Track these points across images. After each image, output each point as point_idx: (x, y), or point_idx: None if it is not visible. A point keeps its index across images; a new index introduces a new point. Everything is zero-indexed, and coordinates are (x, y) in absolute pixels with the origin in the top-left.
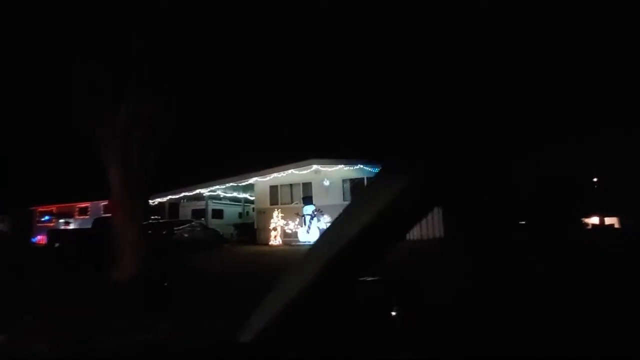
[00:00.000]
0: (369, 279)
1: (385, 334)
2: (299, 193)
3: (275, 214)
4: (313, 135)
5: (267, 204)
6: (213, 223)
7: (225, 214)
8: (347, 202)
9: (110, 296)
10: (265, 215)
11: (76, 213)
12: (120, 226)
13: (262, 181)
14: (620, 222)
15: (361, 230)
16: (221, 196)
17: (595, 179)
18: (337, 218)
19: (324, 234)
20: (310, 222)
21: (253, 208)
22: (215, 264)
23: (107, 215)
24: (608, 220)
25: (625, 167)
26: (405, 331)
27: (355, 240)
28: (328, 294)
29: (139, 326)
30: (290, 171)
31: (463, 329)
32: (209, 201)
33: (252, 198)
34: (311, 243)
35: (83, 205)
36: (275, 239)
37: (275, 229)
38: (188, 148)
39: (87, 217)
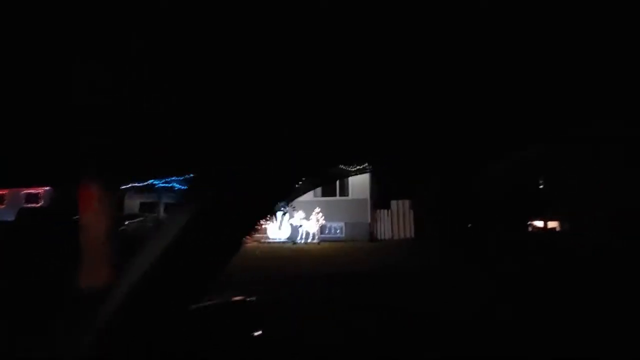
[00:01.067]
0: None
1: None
2: None
3: None
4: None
5: None
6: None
7: None
8: (319, 198)
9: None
10: None
11: None
12: (93, 221)
13: None
14: (560, 225)
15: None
16: (176, 188)
17: (541, 187)
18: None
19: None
20: (282, 219)
21: None
22: None
23: (33, 205)
24: (551, 224)
25: (566, 178)
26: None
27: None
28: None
29: None
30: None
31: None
32: (161, 194)
33: None
34: (282, 240)
35: None
36: None
37: None
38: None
39: (2, 206)
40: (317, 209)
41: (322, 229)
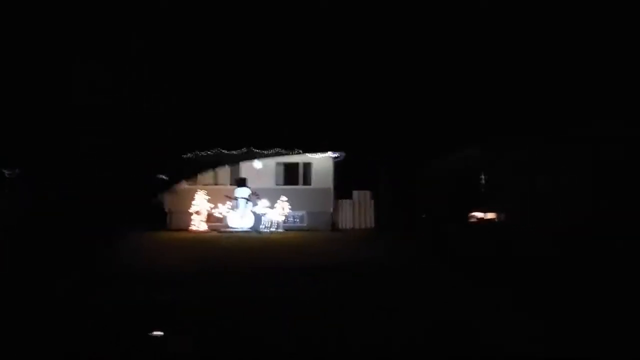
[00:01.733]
0: None
1: None
2: (225, 173)
3: (198, 195)
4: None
5: (183, 184)
6: None
7: None
8: (281, 187)
9: None
10: (179, 196)
11: None
12: None
13: None
14: (497, 216)
15: None
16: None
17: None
18: None
19: None
20: (245, 207)
21: None
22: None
23: None
24: (489, 215)
25: (504, 173)
26: None
27: None
28: None
29: None
30: (216, 149)
31: None
32: None
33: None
34: (244, 229)
35: None
36: (199, 224)
37: (199, 212)
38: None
39: None
40: (284, 198)
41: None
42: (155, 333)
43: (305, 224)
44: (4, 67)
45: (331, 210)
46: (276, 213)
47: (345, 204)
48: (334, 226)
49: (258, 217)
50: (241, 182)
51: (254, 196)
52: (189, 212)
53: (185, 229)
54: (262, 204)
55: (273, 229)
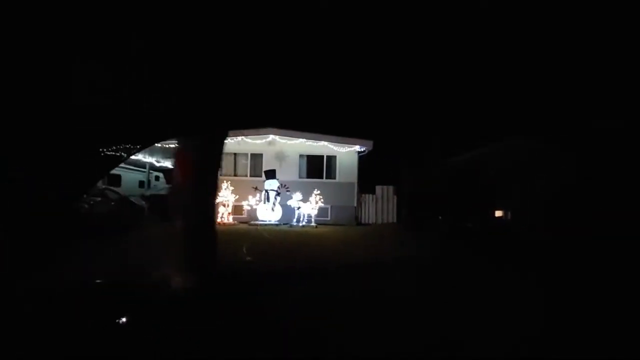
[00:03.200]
0: None
1: None
2: (245, 164)
3: (224, 186)
4: (272, 102)
5: None
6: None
7: (124, 181)
8: (304, 180)
9: None
10: None
11: None
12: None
13: None
14: (504, 214)
15: None
16: (132, 158)
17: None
18: None
19: None
20: (275, 199)
21: (157, 177)
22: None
23: None
24: (498, 213)
25: (511, 173)
26: None
27: None
28: None
29: None
30: (240, 138)
31: None
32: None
33: (159, 164)
34: (272, 222)
35: None
36: (228, 217)
37: (225, 204)
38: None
39: None
40: (317, 191)
41: (292, 211)
42: None
43: (329, 218)
44: None
45: (355, 204)
46: (310, 207)
47: (368, 198)
48: (357, 220)
49: (291, 211)
50: (270, 174)
51: (283, 188)
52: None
53: None
54: (296, 198)
55: (304, 223)
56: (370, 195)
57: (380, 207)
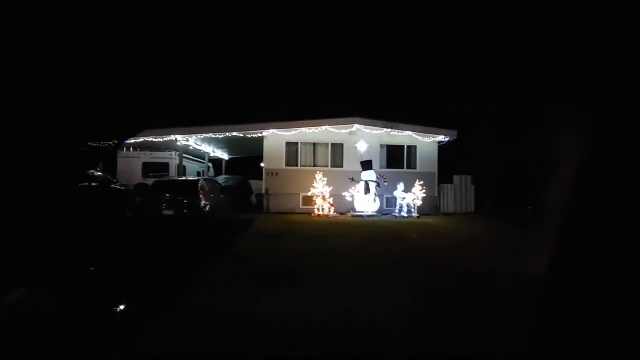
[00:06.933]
0: None
1: None
2: (325, 154)
3: (319, 177)
4: (357, 92)
5: (282, 165)
6: None
7: (187, 172)
8: (383, 170)
9: None
10: (278, 178)
11: None
12: None
13: (277, 135)
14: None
15: None
16: (191, 148)
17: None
18: None
19: None
20: (376, 190)
21: (209, 167)
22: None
23: None
24: None
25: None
26: None
27: None
28: None
29: None
30: (324, 128)
31: None
32: (175, 154)
33: (214, 155)
34: (370, 213)
35: None
36: (330, 210)
37: (323, 196)
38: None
39: None
40: (420, 182)
41: (388, 201)
42: None
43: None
44: None
45: (436, 194)
46: (413, 198)
47: (447, 188)
48: (438, 211)
49: (395, 202)
50: (367, 165)
51: (382, 179)
52: (288, 194)
53: (284, 212)
54: (400, 188)
55: (404, 214)
56: (449, 185)
57: (459, 197)
